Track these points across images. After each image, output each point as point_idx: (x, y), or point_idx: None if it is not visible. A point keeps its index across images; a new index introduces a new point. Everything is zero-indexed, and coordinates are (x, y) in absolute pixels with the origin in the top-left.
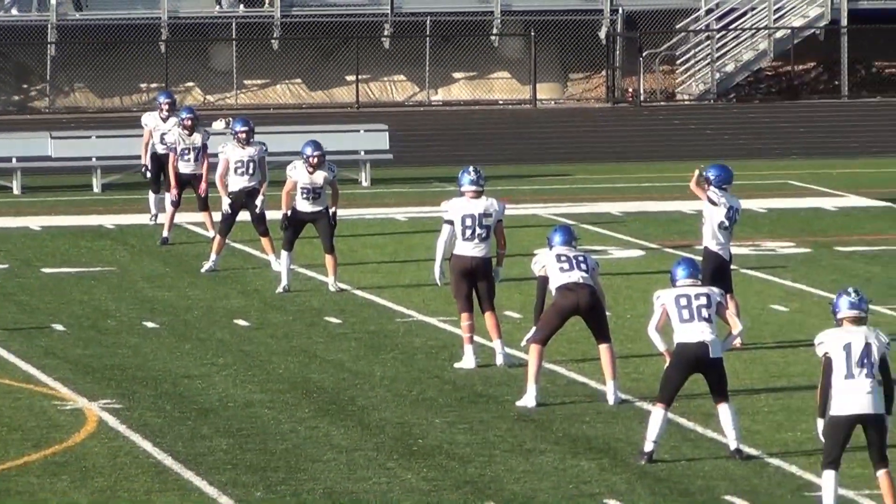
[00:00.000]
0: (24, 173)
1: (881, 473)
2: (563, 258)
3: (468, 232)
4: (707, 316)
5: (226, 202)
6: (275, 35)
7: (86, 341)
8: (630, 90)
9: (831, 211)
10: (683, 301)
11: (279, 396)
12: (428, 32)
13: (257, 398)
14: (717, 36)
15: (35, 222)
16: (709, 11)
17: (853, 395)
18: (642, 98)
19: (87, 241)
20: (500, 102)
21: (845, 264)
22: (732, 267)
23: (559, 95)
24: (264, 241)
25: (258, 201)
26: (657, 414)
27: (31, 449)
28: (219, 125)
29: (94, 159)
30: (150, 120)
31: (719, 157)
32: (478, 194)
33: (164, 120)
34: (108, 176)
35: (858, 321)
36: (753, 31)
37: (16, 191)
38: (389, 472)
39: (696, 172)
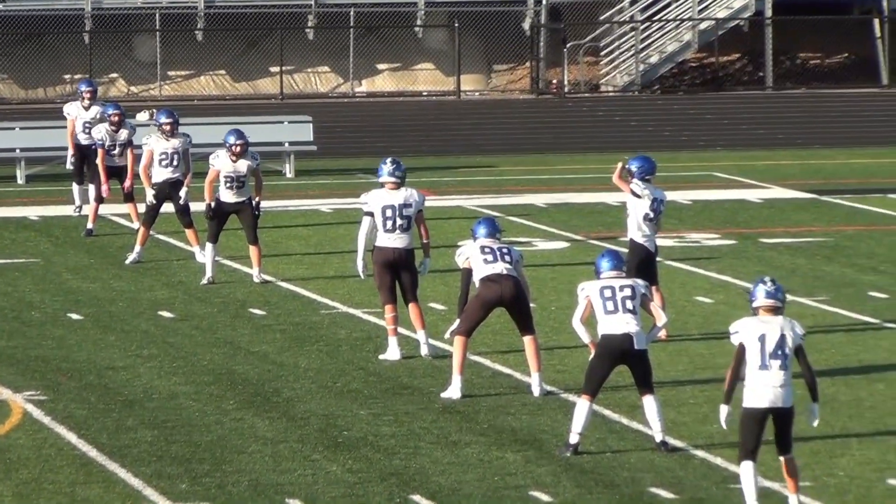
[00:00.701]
0: None
1: (785, 459)
2: (486, 250)
3: (389, 223)
4: (632, 308)
5: (150, 194)
6: (199, 26)
7: (10, 333)
8: (554, 82)
9: (756, 203)
10: (608, 293)
11: (204, 388)
12: (352, 23)
13: (182, 390)
14: (642, 27)
15: None
16: (633, 2)
17: (766, 388)
18: (566, 89)
19: (10, 232)
20: (425, 94)
21: (770, 256)
22: (657, 259)
23: (483, 87)
24: (188, 232)
25: (182, 193)
26: (582, 406)
27: None
28: (143, 116)
29: (17, 150)
30: (72, 109)
31: (644, 149)
32: (397, 185)
33: (87, 108)
34: (31, 167)
35: (774, 311)
36: (678, 22)
37: None
38: (314, 463)
39: (619, 165)
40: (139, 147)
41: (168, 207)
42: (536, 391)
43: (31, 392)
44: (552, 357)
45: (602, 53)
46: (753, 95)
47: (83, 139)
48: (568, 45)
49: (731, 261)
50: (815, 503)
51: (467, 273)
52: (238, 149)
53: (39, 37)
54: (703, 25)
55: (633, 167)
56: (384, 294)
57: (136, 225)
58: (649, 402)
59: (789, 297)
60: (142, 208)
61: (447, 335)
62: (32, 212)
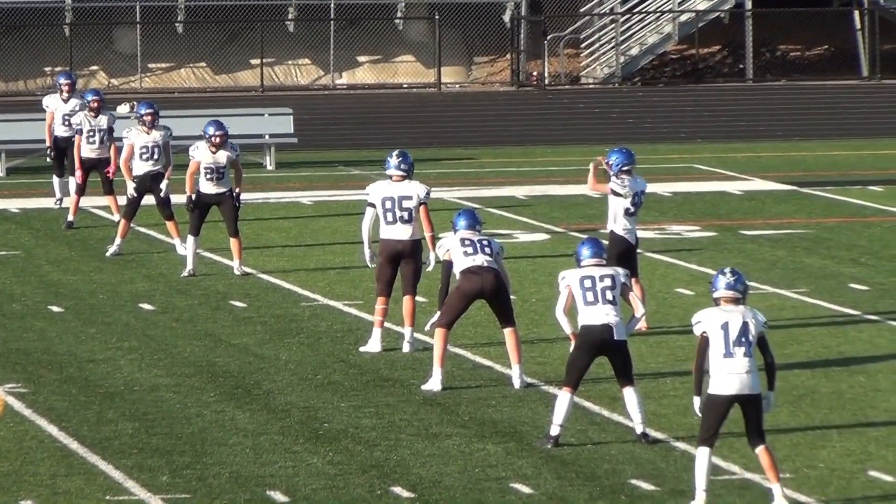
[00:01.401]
0: None
1: (760, 450)
2: (467, 242)
3: (389, 215)
4: (611, 298)
5: (131, 186)
6: (179, 18)
7: None
8: (535, 74)
9: (736, 195)
10: (588, 283)
11: (185, 381)
12: (332, 16)
13: (163, 382)
14: (622, 19)
15: None
16: None
17: (732, 375)
18: (547, 82)
19: None
20: (405, 86)
21: (750, 248)
22: (638, 250)
23: (464, 79)
24: (169, 224)
25: (163, 185)
26: (563, 397)
27: None
28: (123, 109)
29: None
30: (51, 102)
31: (624, 141)
32: (402, 178)
33: (65, 101)
34: (12, 160)
35: (735, 301)
36: (658, 14)
37: None
38: (295, 455)
39: (591, 168)
40: (120, 140)
41: (149, 200)
42: (517, 383)
43: (12, 384)
44: (533, 349)
45: (582, 45)
46: (734, 87)
47: (63, 131)
48: (548, 38)
49: (712, 253)
50: (797, 495)
51: (447, 265)
52: (218, 140)
53: (20, 29)
54: (684, 17)
55: (612, 161)
56: (380, 285)
57: (116, 217)
58: (629, 394)
59: (769, 289)
60: (122, 201)
61: (427, 328)
62: (13, 204)
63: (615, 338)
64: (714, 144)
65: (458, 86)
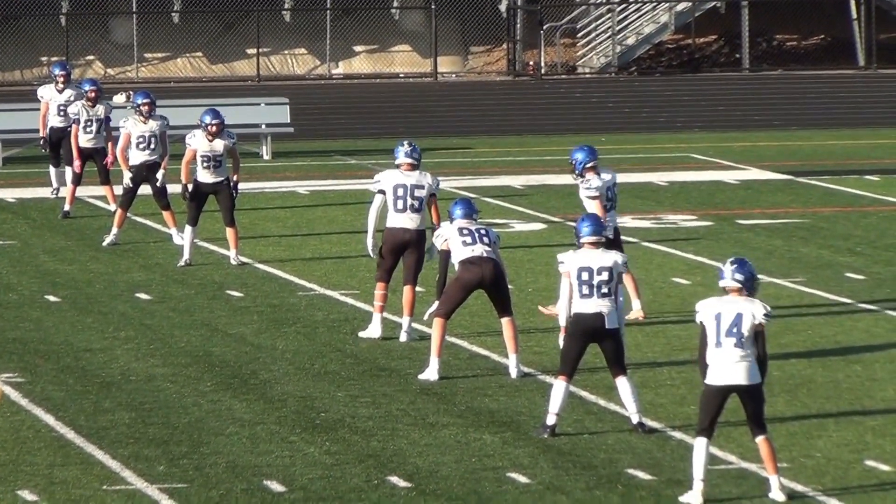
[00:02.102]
0: None
1: (760, 440)
2: (465, 231)
3: (399, 203)
4: (606, 291)
5: (127, 176)
6: (175, 8)
7: None
8: (531, 63)
9: (732, 184)
10: (585, 276)
11: (181, 370)
12: (328, 5)
13: (159, 372)
14: (618, 9)
15: None
16: None
17: (722, 365)
18: (543, 71)
19: None
20: (401, 75)
21: (747, 237)
22: (633, 240)
23: (460, 68)
24: (166, 214)
25: (159, 175)
26: (559, 386)
27: None
28: (119, 99)
29: None
30: (46, 92)
31: (621, 131)
32: (412, 167)
33: (60, 92)
34: (8, 149)
35: (738, 291)
36: (654, 3)
37: None
38: (292, 445)
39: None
40: (117, 129)
41: (145, 189)
42: (514, 373)
43: (8, 374)
44: (529, 339)
45: (579, 35)
46: (730, 77)
47: (58, 122)
48: (545, 27)
49: (708, 242)
50: (793, 485)
51: (445, 255)
52: (214, 128)
53: (15, 19)
54: (680, 7)
55: (576, 159)
56: (380, 272)
57: (112, 207)
58: (622, 384)
59: (765, 279)
60: (118, 190)
61: (426, 317)
62: (9, 194)
63: (606, 326)
64: (710, 134)
65: (454, 75)
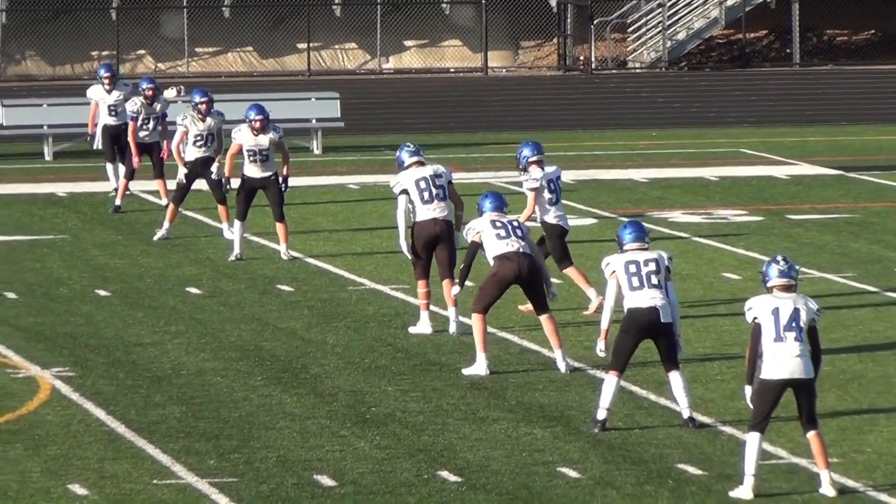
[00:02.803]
0: None
1: (811, 435)
2: (498, 224)
3: (426, 194)
4: (657, 282)
5: (182, 171)
6: (226, 2)
7: (38, 309)
8: (581, 58)
9: (783, 179)
10: (633, 268)
11: (232, 365)
12: (379, 0)
13: (210, 366)
14: (669, 3)
15: None
16: None
17: (783, 359)
18: (593, 66)
19: (38, 208)
20: (452, 70)
21: (797, 232)
22: (684, 235)
23: (510, 63)
24: (221, 208)
25: (214, 168)
26: (610, 381)
27: None
28: (170, 94)
29: (45, 127)
30: (95, 93)
31: (671, 125)
32: (421, 164)
33: (109, 92)
34: (59, 143)
35: (788, 289)
36: None
37: None
38: (342, 440)
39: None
40: (172, 124)
41: (198, 185)
42: (562, 367)
43: (59, 368)
44: (580, 333)
45: (629, 30)
46: (780, 72)
47: (112, 121)
48: (595, 22)
49: (759, 237)
50: (844, 480)
51: (474, 246)
52: (259, 124)
53: (67, 14)
54: (731, 2)
55: (522, 155)
56: (418, 270)
57: (164, 201)
58: (675, 378)
59: (816, 274)
60: (171, 185)
61: (453, 294)
62: (60, 188)
63: (662, 320)
64: (761, 129)
65: (504, 70)
